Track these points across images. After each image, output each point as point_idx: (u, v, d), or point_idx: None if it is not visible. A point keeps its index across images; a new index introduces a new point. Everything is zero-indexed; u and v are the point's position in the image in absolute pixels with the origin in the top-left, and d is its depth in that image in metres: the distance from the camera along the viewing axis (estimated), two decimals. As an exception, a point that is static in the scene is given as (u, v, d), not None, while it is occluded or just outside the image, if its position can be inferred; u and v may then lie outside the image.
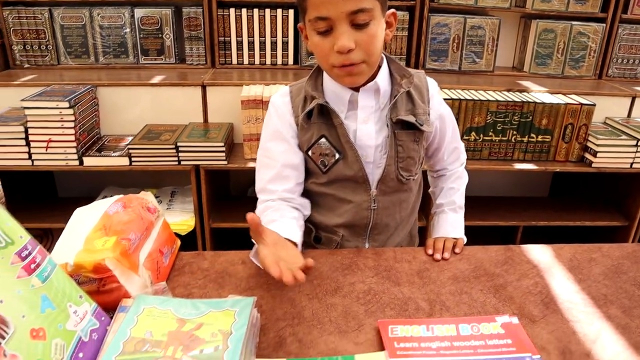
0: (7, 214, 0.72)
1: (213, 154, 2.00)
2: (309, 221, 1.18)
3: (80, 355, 0.71)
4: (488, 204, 2.44)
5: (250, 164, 2.05)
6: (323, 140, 1.08)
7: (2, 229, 0.69)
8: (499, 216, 2.34)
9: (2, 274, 0.66)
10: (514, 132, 2.11)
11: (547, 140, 2.13)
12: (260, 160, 1.14)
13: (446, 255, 1.09)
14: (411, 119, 1.06)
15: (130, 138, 2.12)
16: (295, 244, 0.99)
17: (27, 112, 1.91)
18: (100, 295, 0.81)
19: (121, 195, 0.99)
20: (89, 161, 2.02)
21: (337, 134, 1.07)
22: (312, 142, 1.08)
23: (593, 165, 2.12)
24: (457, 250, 1.11)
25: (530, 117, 2.09)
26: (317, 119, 1.07)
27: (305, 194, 1.16)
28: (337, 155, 1.08)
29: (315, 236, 1.19)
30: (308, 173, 1.14)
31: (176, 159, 2.01)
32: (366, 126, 1.07)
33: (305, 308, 0.91)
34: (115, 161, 2.02)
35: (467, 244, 1.16)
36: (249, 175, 2.46)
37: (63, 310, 0.72)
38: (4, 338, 0.62)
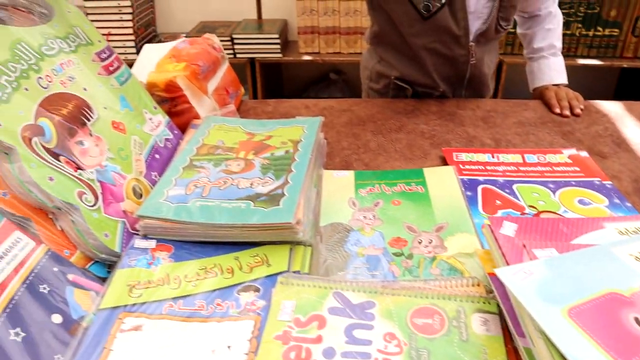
0: (85, 18, 0.74)
1: (268, 46, 2.00)
2: (402, 80, 1.12)
3: (157, 156, 0.74)
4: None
5: (305, 57, 2.04)
6: None
7: (82, 29, 0.71)
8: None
9: (84, 66, 0.68)
10: (579, 26, 2.02)
11: (615, 34, 2.02)
12: None
13: (578, 111, 1.03)
14: None
15: (185, 35, 2.13)
16: None
17: (86, 3, 1.94)
18: (171, 116, 0.84)
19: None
20: (147, 55, 2.05)
21: None
22: None
23: (665, 61, 2.01)
24: (581, 106, 1.05)
25: (598, 8, 1.98)
26: None
27: (393, 49, 1.10)
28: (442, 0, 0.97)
29: (413, 92, 1.13)
30: (399, 22, 1.03)
31: (232, 51, 2.02)
32: None
33: (370, 141, 0.91)
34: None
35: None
36: (303, 74, 2.46)
37: (140, 114, 0.74)
38: (89, 120, 0.65)
